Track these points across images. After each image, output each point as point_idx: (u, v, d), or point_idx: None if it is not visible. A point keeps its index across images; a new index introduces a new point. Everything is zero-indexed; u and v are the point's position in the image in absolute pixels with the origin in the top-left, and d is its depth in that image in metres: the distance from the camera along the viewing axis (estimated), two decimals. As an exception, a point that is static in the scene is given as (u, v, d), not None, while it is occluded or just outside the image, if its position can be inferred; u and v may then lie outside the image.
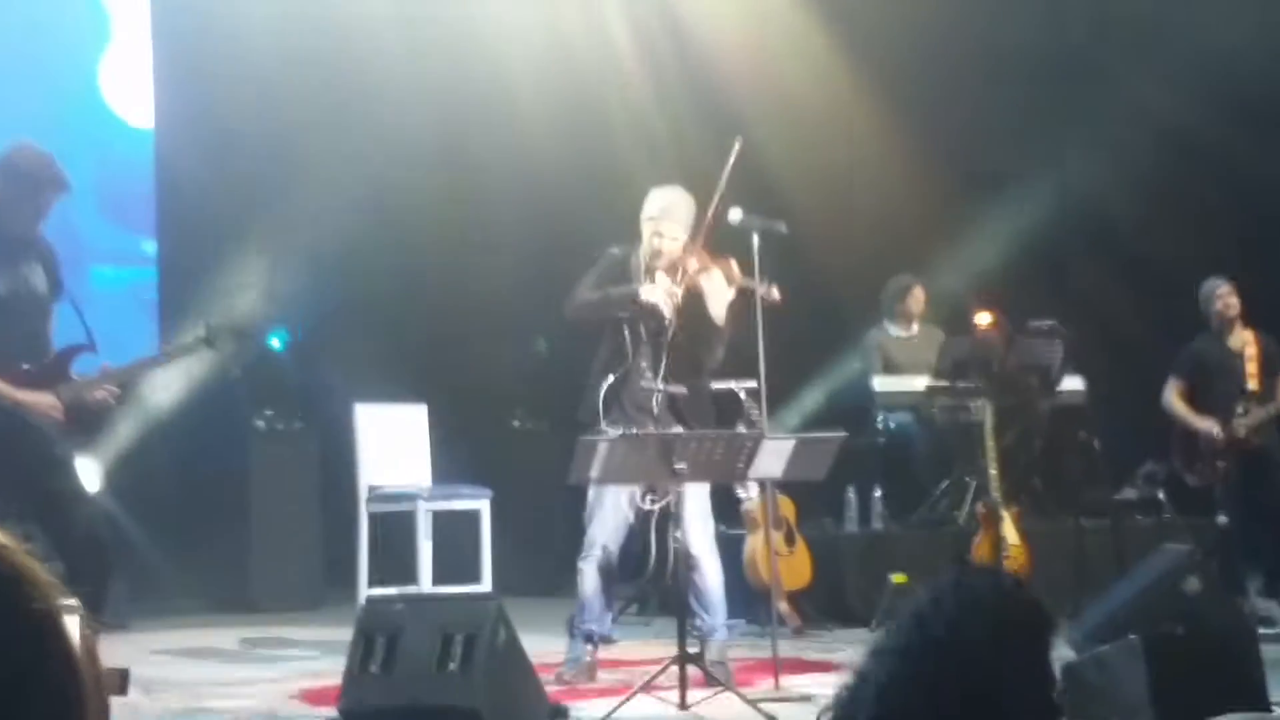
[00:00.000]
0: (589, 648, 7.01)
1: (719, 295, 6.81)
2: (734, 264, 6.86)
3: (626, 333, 6.93)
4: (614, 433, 6.67)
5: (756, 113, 11.50)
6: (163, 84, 10.95)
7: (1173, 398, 9.65)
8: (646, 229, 6.97)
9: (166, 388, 9.85)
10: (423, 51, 11.37)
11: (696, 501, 6.86)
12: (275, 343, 10.91)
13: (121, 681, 7.34)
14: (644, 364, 6.90)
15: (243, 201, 10.85)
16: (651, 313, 6.83)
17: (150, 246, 10.99)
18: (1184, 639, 5.62)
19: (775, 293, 6.78)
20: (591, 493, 6.95)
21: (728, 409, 8.57)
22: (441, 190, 11.42)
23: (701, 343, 6.91)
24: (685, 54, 11.69)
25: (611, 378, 6.88)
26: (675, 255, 6.91)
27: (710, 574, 6.92)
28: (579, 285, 7.05)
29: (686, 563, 6.66)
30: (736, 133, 11.38)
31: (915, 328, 10.49)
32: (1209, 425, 9.45)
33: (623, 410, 6.90)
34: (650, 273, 6.94)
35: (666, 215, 6.95)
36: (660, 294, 6.80)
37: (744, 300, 6.93)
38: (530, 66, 11.45)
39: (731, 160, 6.81)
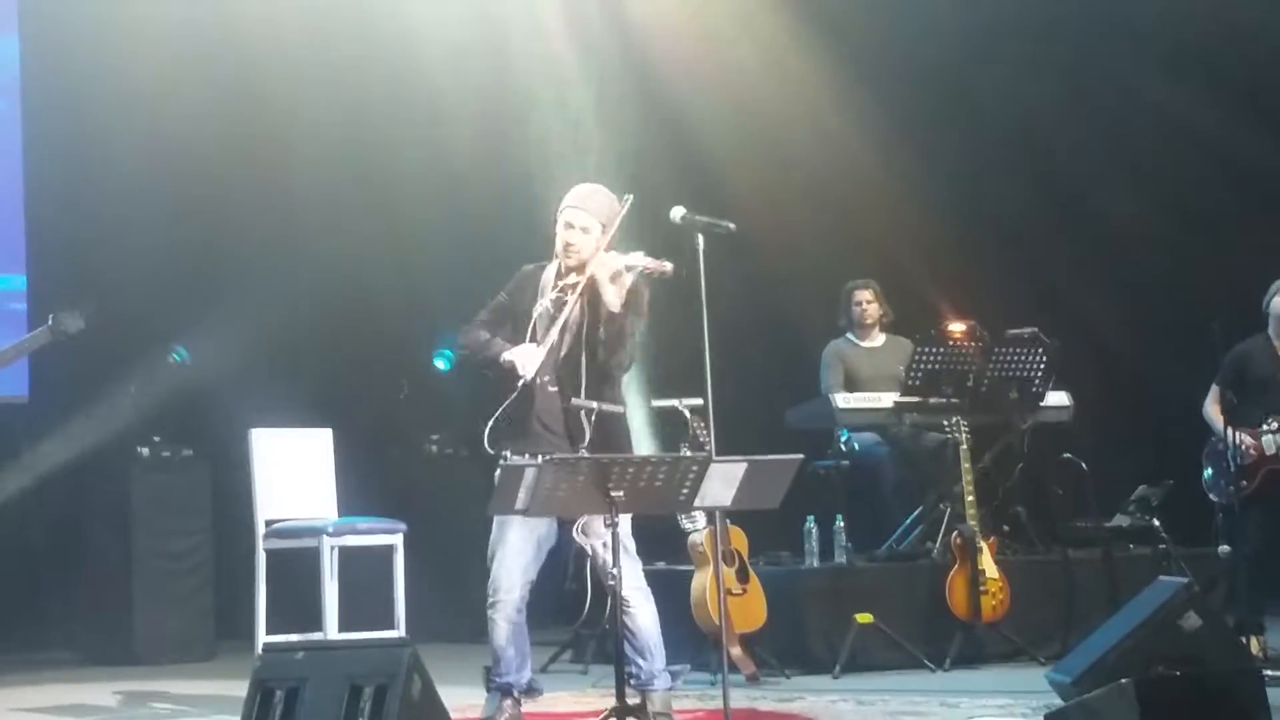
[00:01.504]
0: (508, 703, 7.01)
1: (612, 281, 6.87)
2: (631, 254, 6.96)
3: (549, 334, 6.96)
4: (520, 461, 6.72)
5: (701, 105, 11.56)
6: (31, 84, 10.94)
7: (1210, 406, 9.63)
8: (559, 222, 7.04)
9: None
10: (329, 44, 11.36)
11: (622, 532, 6.87)
12: (174, 359, 10.89)
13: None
14: (546, 379, 6.95)
15: (125, 215, 10.84)
16: (510, 374, 6.89)
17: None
18: (1182, 682, 5.64)
19: (666, 265, 6.87)
20: (495, 529, 6.96)
21: (671, 429, 8.59)
22: (347, 193, 11.42)
23: (606, 347, 6.96)
24: (626, 48, 11.70)
25: (509, 400, 6.92)
26: (588, 253, 6.97)
27: (641, 614, 6.94)
28: (479, 314, 7.13)
29: (619, 604, 6.71)
30: (680, 128, 11.42)
31: (880, 337, 10.51)
32: (1242, 439, 9.39)
33: (528, 437, 6.94)
34: (562, 273, 7.00)
35: (579, 204, 7.02)
36: (520, 356, 6.86)
37: (651, 293, 7.01)
38: (453, 65, 11.44)
39: (621, 213, 6.93)
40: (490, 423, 6.95)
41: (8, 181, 10.81)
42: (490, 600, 6.95)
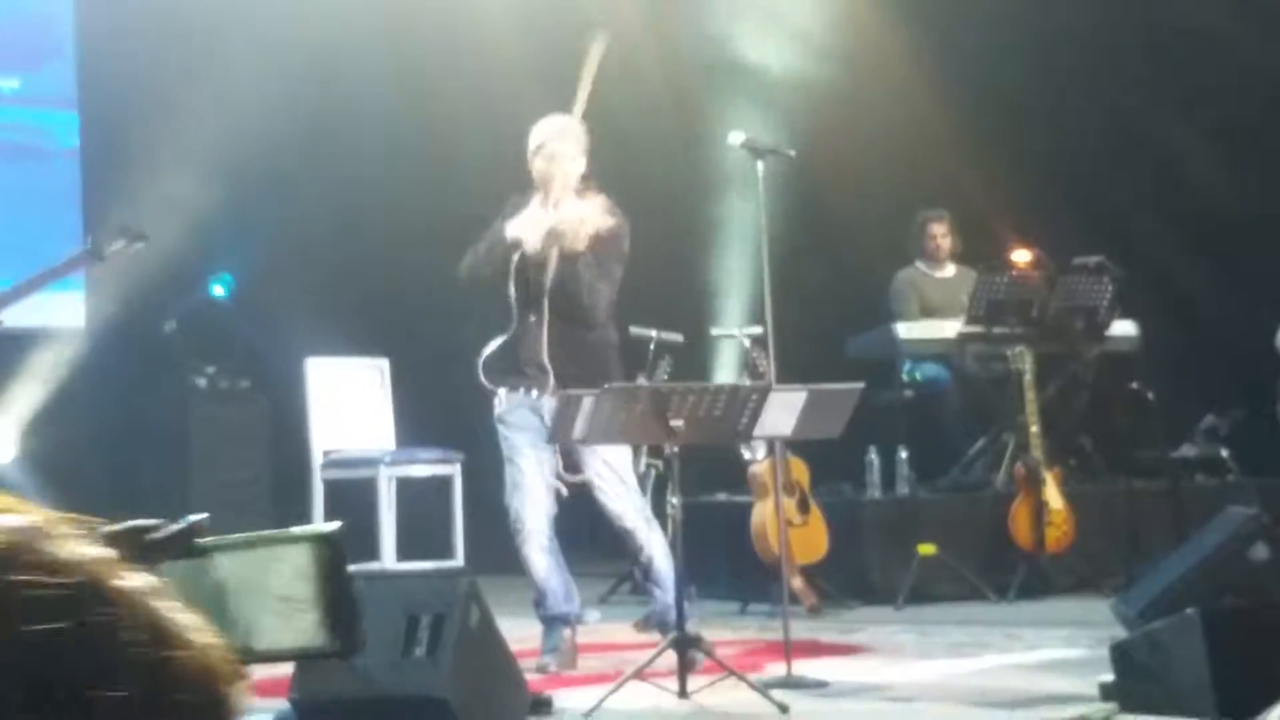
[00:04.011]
0: (567, 632, 7.06)
1: (587, 221, 6.90)
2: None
3: (511, 285, 7.01)
4: (510, 397, 6.91)
5: (761, 33, 11.46)
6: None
7: None
8: (539, 158, 7.02)
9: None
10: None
11: (616, 462, 6.97)
12: (218, 289, 10.91)
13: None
14: (533, 318, 7.00)
15: (176, 137, 10.84)
16: (520, 248, 6.89)
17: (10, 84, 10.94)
18: (1249, 613, 5.61)
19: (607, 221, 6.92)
20: (509, 469, 7.01)
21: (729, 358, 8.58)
22: (405, 119, 11.39)
23: (579, 282, 7.03)
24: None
25: (502, 338, 6.97)
26: (573, 181, 6.99)
27: (653, 543, 7.01)
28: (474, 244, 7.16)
29: (630, 538, 6.89)
30: (740, 57, 11.33)
31: (950, 267, 10.46)
32: None
33: (520, 372, 6.99)
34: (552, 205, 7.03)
35: (560, 136, 7.03)
36: (525, 225, 6.86)
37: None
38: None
39: (593, 62, 6.90)
40: (482, 359, 7.01)
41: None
42: (519, 537, 7.00)
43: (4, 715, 0.93)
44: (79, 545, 1.01)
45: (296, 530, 1.39)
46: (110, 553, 1.01)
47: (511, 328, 6.99)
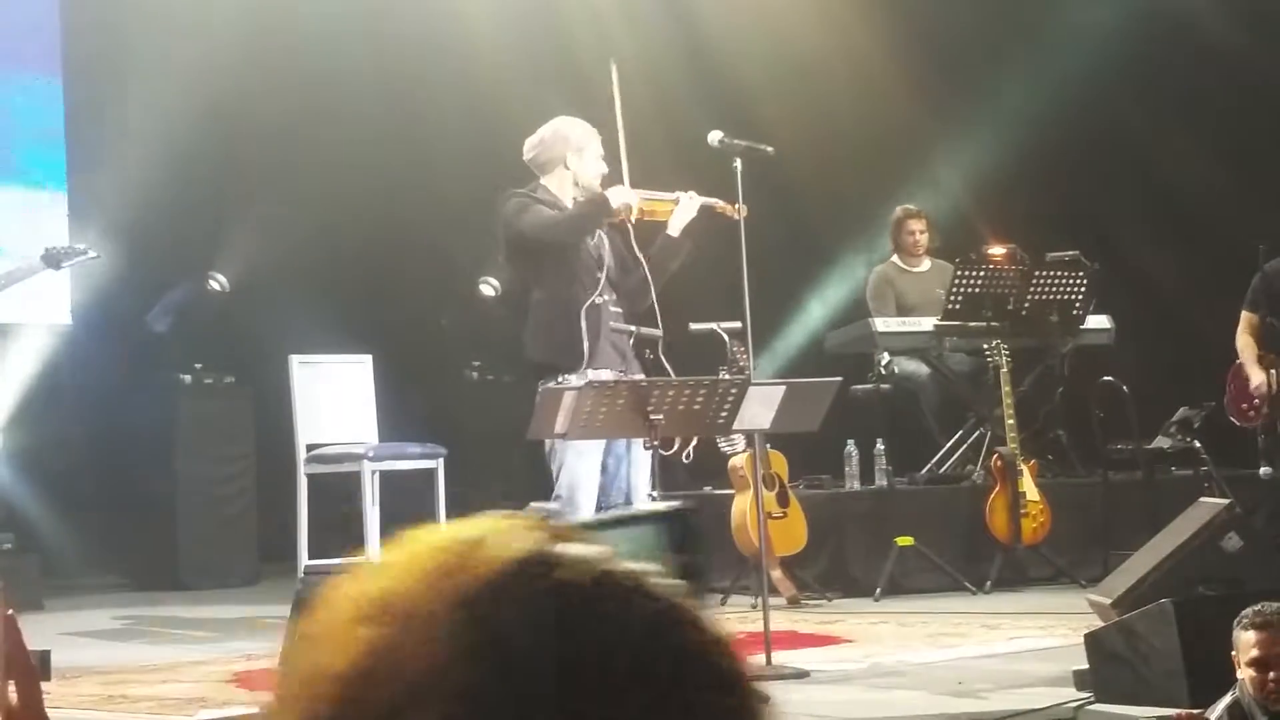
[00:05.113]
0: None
1: (682, 212, 6.88)
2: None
3: (604, 254, 6.96)
4: (596, 378, 6.65)
5: (732, 29, 11.47)
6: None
7: (1240, 332, 9.52)
8: (589, 151, 7.00)
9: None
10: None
11: (646, 459, 6.93)
12: (213, 285, 10.90)
13: (42, 665, 7.31)
14: (607, 299, 6.94)
15: (164, 143, 10.83)
16: (621, 216, 6.88)
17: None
18: (1221, 602, 5.62)
19: (743, 210, 6.86)
20: (570, 455, 6.87)
21: (709, 352, 8.59)
22: (386, 120, 11.39)
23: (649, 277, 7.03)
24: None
25: (574, 319, 6.88)
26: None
27: None
28: (528, 214, 7.02)
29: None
30: (713, 56, 11.32)
31: (926, 262, 10.45)
32: (1257, 374, 9.30)
33: (601, 354, 6.91)
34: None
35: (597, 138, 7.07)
36: (628, 195, 6.86)
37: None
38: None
39: (616, 90, 6.91)
40: (583, 332, 6.87)
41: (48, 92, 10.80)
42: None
43: (611, 695, 1.01)
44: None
45: (652, 508, 1.45)
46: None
47: (589, 303, 6.90)
